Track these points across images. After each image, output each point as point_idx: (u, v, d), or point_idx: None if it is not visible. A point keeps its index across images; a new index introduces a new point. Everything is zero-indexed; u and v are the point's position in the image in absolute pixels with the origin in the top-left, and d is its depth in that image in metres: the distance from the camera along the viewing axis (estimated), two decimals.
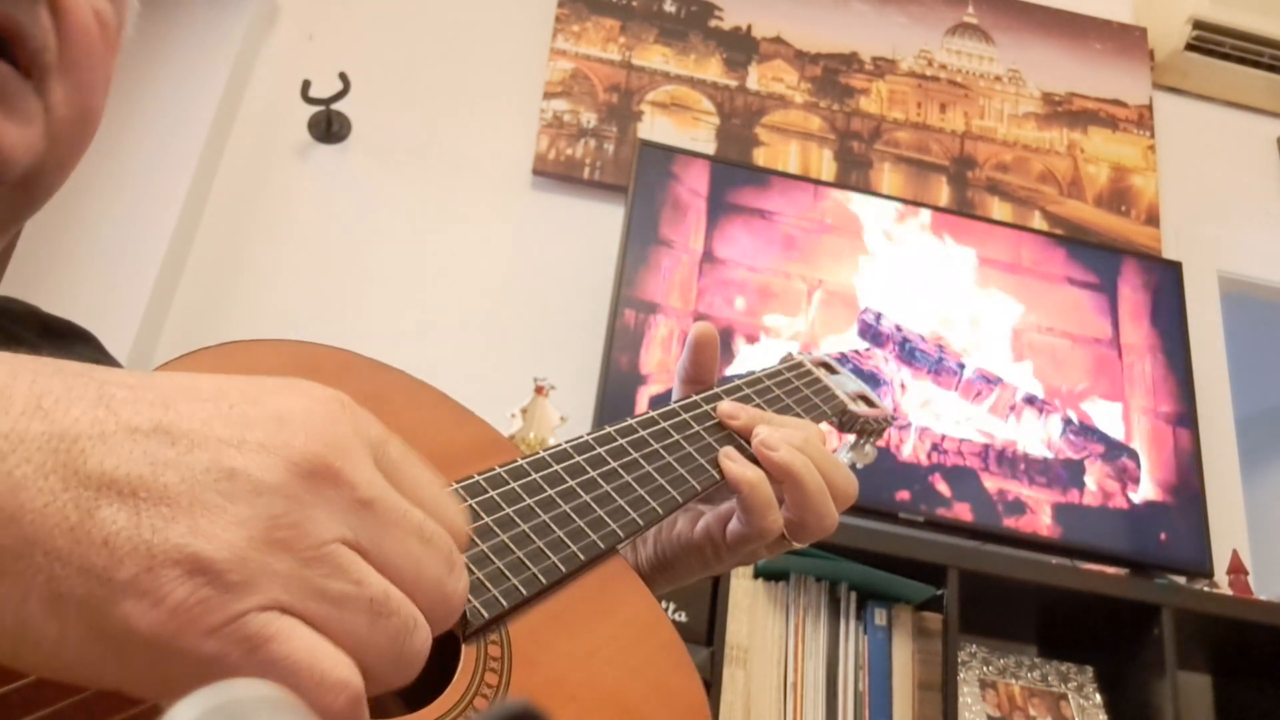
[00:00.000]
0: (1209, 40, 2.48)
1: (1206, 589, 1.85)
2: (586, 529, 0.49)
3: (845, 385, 0.76)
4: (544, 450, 0.53)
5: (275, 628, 0.27)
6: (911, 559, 1.68)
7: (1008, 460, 1.94)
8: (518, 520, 0.47)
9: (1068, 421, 2.00)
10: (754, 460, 0.60)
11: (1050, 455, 1.96)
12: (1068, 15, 2.56)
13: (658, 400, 1.81)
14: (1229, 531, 2.05)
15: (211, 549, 0.26)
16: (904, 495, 1.86)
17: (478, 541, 0.44)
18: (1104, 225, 2.35)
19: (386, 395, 0.50)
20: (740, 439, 0.61)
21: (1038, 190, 2.36)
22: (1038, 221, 2.31)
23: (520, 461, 0.50)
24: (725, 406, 0.63)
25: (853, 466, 0.72)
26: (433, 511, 0.32)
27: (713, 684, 1.55)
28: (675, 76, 2.30)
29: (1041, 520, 1.89)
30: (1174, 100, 2.57)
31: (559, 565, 0.46)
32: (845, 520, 0.69)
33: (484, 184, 2.16)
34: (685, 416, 0.62)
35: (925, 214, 2.14)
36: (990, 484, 1.91)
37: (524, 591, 0.44)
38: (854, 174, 2.29)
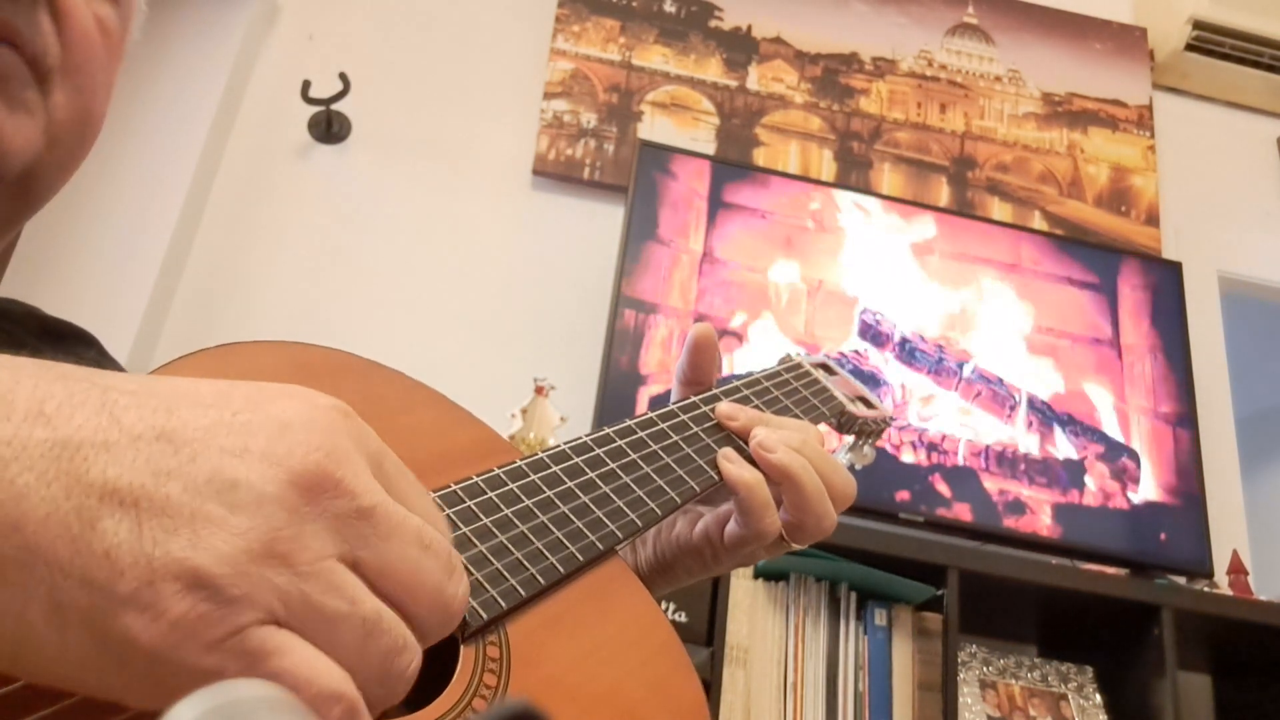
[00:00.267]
0: (1209, 40, 2.48)
1: (1206, 589, 1.85)
2: (585, 530, 0.49)
3: (844, 386, 0.76)
4: (542, 452, 0.53)
5: (275, 643, 0.27)
6: (911, 559, 1.68)
7: (1008, 460, 1.94)
8: (516, 522, 0.47)
9: (1068, 421, 2.00)
10: (752, 462, 0.59)
11: (1050, 455, 1.96)
12: (1068, 15, 2.55)
13: (657, 401, 1.81)
14: (1229, 532, 2.05)
15: (212, 562, 0.26)
16: (904, 495, 1.86)
17: (475, 544, 0.44)
18: (1104, 225, 2.35)
19: (385, 397, 0.50)
20: (739, 440, 0.61)
21: (1038, 190, 2.36)
22: (1038, 222, 2.31)
23: (518, 463, 0.50)
24: (724, 408, 0.63)
25: (851, 467, 0.72)
26: (428, 521, 0.32)
27: (713, 684, 1.55)
28: (675, 77, 2.30)
29: (1041, 520, 1.89)
30: (1174, 100, 2.57)
31: (557, 566, 0.46)
32: (845, 520, 0.69)
33: (484, 184, 2.16)
34: (684, 418, 0.61)
35: (926, 214, 2.15)
36: (990, 484, 1.91)
37: (522, 593, 0.44)
38: (854, 174, 2.29)
